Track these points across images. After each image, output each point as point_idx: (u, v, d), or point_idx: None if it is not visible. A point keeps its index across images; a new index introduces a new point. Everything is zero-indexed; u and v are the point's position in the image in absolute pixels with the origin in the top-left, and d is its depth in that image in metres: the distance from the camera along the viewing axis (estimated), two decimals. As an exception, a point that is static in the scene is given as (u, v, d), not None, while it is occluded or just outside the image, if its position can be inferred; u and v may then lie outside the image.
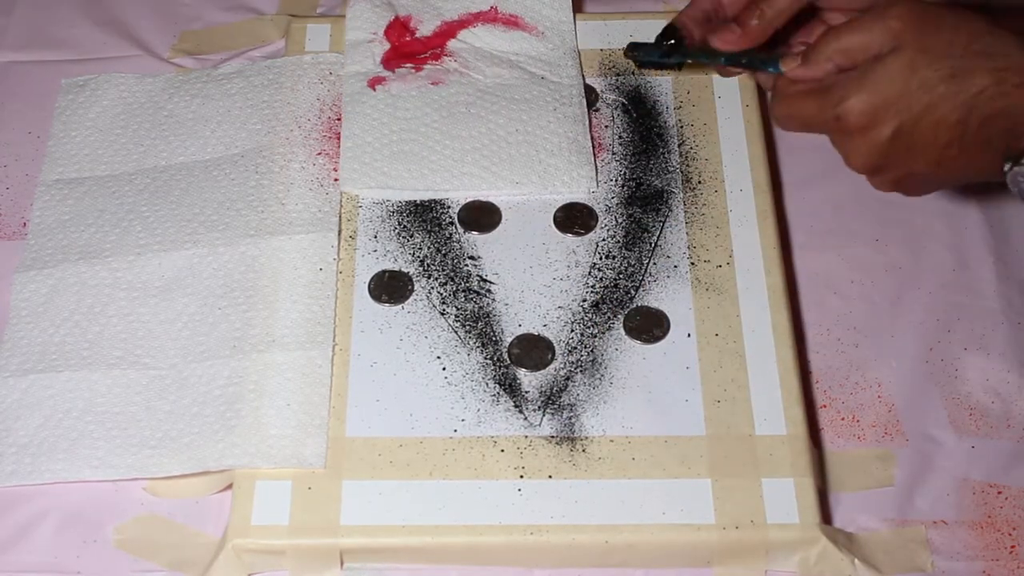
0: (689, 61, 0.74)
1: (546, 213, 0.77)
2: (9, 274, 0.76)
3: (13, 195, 0.81)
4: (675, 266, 0.75)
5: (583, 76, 0.83)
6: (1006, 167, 0.60)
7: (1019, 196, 0.60)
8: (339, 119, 0.81)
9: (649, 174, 0.79)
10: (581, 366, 0.71)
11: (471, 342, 0.72)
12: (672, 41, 0.70)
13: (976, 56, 0.59)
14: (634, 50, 0.73)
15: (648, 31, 0.86)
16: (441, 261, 0.75)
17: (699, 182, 0.78)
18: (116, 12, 0.90)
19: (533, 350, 0.72)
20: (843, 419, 0.72)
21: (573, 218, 0.77)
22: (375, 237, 0.76)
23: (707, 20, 0.70)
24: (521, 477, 0.67)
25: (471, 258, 0.76)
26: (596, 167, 0.78)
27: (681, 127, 0.81)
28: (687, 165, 0.79)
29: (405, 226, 0.77)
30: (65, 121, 0.83)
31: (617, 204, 0.78)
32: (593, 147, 0.79)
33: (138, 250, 0.76)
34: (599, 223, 0.77)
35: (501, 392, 0.70)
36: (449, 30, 0.84)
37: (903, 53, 0.60)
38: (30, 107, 0.85)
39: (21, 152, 0.83)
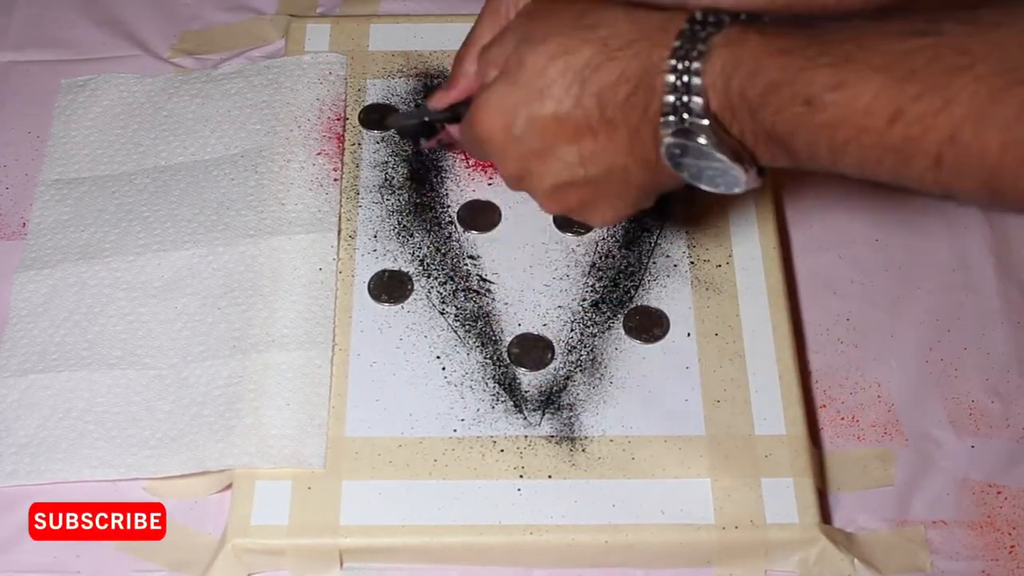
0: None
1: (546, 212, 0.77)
2: (9, 274, 0.76)
3: (13, 195, 0.81)
4: (675, 265, 0.75)
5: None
6: (661, 148, 0.53)
7: (678, 171, 0.54)
8: (339, 119, 0.81)
9: (649, 174, 0.79)
10: (581, 366, 0.71)
11: (471, 342, 0.72)
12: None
13: (582, 30, 0.55)
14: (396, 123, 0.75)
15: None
16: (441, 261, 0.75)
17: (699, 182, 0.78)
18: (116, 12, 0.90)
19: (533, 350, 0.72)
20: (843, 419, 0.72)
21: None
22: (375, 237, 0.76)
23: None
24: (521, 477, 0.67)
25: (471, 257, 0.75)
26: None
27: (681, 127, 0.81)
28: (687, 165, 0.79)
29: (405, 226, 0.77)
30: (65, 121, 0.83)
31: (617, 204, 0.78)
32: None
33: (138, 250, 0.76)
34: (599, 223, 0.77)
35: (501, 392, 0.70)
36: None
37: (517, 47, 0.57)
38: (30, 107, 0.85)
39: (21, 152, 0.83)
